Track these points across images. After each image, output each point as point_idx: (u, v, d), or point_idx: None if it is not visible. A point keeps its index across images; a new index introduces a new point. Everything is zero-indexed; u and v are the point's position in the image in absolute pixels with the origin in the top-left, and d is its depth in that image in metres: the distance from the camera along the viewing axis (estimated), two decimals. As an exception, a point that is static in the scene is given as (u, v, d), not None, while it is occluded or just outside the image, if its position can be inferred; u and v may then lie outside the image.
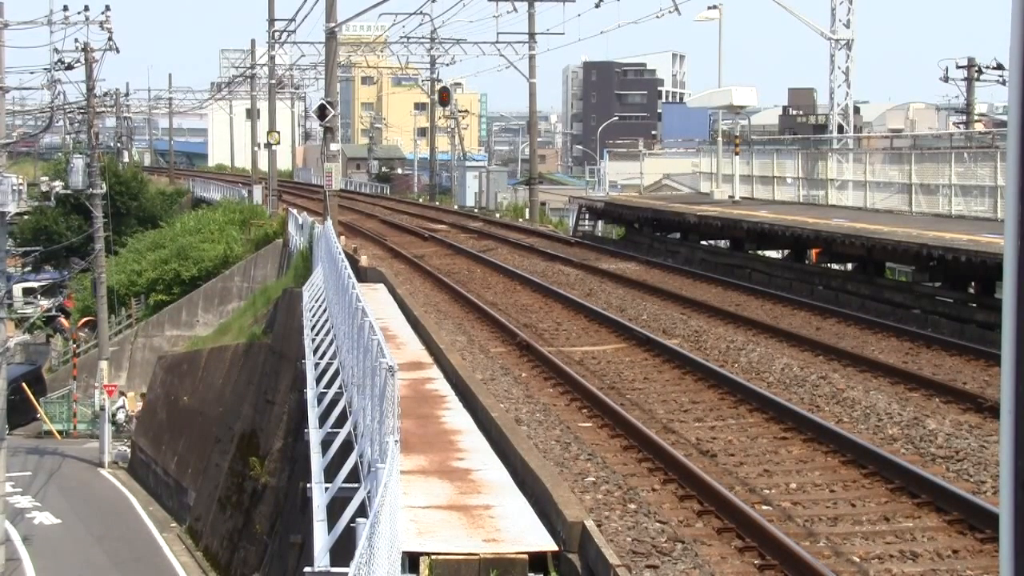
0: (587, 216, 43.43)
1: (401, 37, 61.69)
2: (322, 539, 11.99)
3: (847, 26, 37.06)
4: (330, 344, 19.59)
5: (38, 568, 34.28)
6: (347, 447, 13.79)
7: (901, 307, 23.10)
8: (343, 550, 10.75)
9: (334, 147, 34.23)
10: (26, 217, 61.45)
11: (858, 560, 9.71)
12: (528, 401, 15.85)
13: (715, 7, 40.21)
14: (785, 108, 71.39)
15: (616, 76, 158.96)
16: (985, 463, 12.26)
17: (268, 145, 59.58)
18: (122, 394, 51.08)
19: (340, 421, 15.29)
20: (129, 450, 48.45)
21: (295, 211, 48.15)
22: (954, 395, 15.36)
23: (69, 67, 44.25)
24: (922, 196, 29.17)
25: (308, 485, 13.79)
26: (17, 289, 56.48)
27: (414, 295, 26.09)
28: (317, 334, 21.35)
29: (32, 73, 55.03)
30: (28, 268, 68.22)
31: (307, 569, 11.50)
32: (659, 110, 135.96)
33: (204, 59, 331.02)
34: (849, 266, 27.44)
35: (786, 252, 30.37)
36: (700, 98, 42.80)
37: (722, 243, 33.64)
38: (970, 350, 18.33)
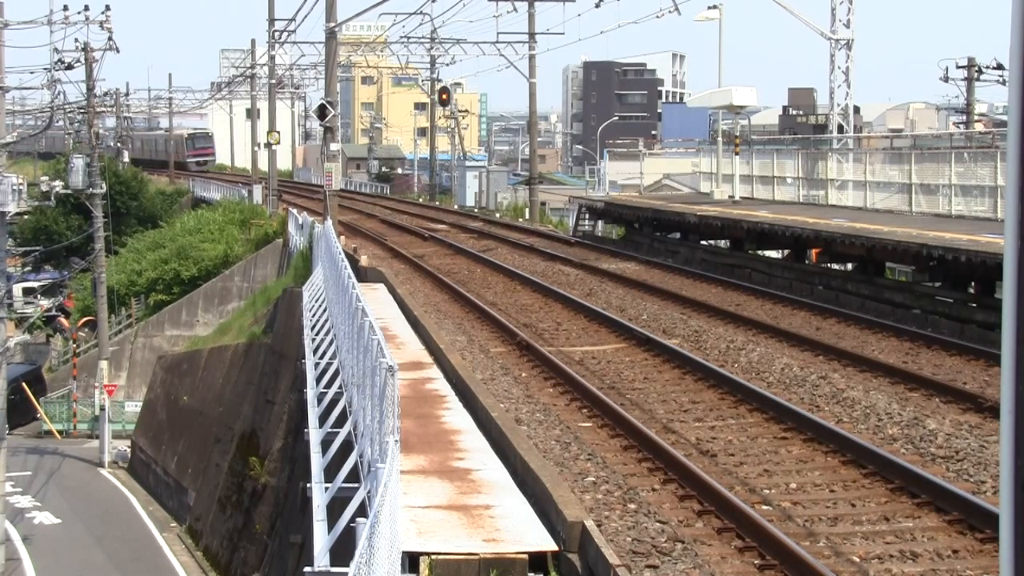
0: (587, 216, 43.42)
1: (401, 37, 61.72)
2: (322, 539, 11.99)
3: (847, 26, 37.06)
4: (330, 344, 19.60)
5: (38, 568, 34.29)
6: (347, 447, 13.79)
7: (901, 307, 23.10)
8: (343, 550, 10.75)
9: (334, 147, 34.22)
10: (26, 217, 61.47)
11: (858, 560, 9.71)
12: (528, 401, 15.85)
13: (715, 7, 40.18)
14: (785, 108, 71.45)
15: (616, 76, 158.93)
16: (985, 463, 12.26)
17: (268, 145, 59.56)
18: None
19: (340, 421, 15.29)
20: (129, 450, 48.46)
21: (295, 211, 48.14)
22: (954, 395, 15.35)
23: (69, 67, 44.24)
24: (922, 196, 29.17)
25: (308, 485, 13.79)
26: (17, 289, 56.45)
27: (414, 295, 26.09)
28: (317, 334, 21.35)
29: (32, 73, 55.09)
30: (28, 268, 68.19)
31: (307, 569, 11.50)
32: (659, 110, 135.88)
33: (204, 59, 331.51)
34: (849, 266, 27.43)
35: (786, 252, 30.37)
36: (700, 98, 42.78)
37: (722, 243, 33.63)
38: (970, 350, 18.33)
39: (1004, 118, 54.97)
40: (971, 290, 22.22)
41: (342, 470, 12.72)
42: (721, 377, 16.69)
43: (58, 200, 48.02)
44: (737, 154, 37.22)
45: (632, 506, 11.04)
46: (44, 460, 47.07)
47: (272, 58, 61.54)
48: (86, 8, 44.52)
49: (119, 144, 76.70)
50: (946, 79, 56.01)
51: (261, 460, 30.85)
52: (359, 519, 8.55)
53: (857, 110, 44.81)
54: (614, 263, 32.31)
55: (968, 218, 27.00)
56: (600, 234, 43.66)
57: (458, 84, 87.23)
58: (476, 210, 59.19)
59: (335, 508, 12.27)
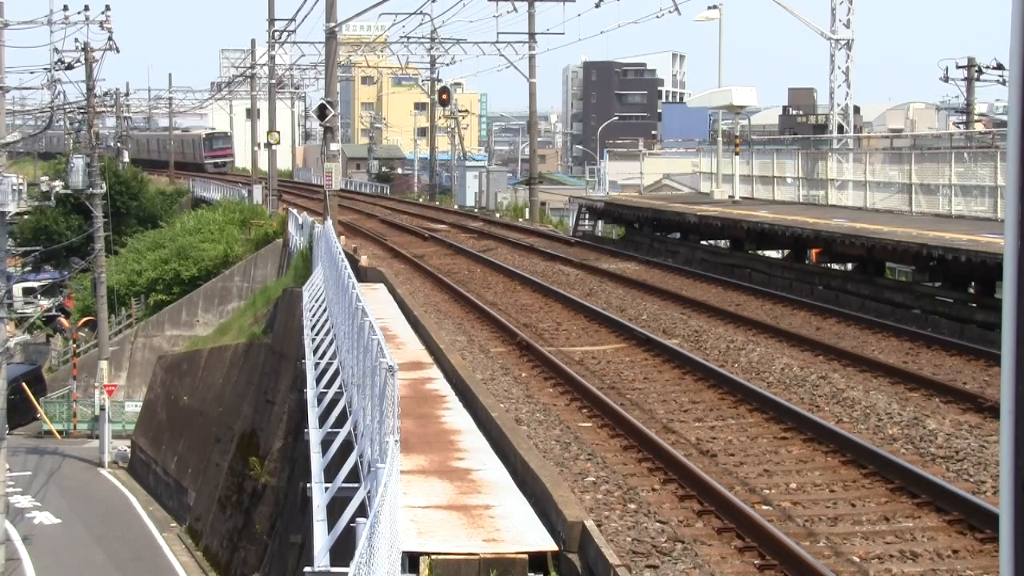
0: (587, 216, 43.42)
1: (401, 37, 61.74)
2: (322, 539, 11.99)
3: (847, 26, 37.06)
4: (330, 344, 19.60)
5: (38, 568, 34.29)
6: (347, 447, 13.79)
7: (901, 307, 23.10)
8: (343, 550, 10.75)
9: (334, 147, 34.22)
10: (26, 217, 61.45)
11: (858, 560, 9.71)
12: (528, 401, 15.85)
13: (715, 7, 40.18)
14: (785, 108, 71.43)
15: (616, 76, 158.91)
16: (985, 463, 12.26)
17: (268, 145, 59.58)
18: None
19: (340, 421, 15.29)
20: (129, 450, 48.46)
21: (295, 211, 48.14)
22: (954, 395, 15.35)
23: (69, 67, 44.24)
24: (922, 196, 29.17)
25: (308, 485, 13.79)
26: (17, 289, 56.44)
27: (414, 295, 26.09)
28: (317, 334, 21.36)
29: (32, 73, 55.13)
30: (28, 268, 68.19)
31: (307, 569, 11.50)
32: (659, 110, 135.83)
33: (204, 59, 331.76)
34: (849, 266, 27.43)
35: (786, 252, 30.37)
36: (700, 98, 42.79)
37: (722, 243, 33.63)
38: (970, 350, 18.33)
39: (1004, 118, 54.96)
40: (971, 290, 22.22)
41: (342, 470, 12.72)
42: (721, 377, 16.69)
43: (58, 200, 48.03)
44: (737, 154, 37.22)
45: (632, 506, 11.04)
46: (44, 460, 47.07)
47: (272, 58, 61.54)
48: (86, 8, 44.57)
49: (117, 144, 76.64)
50: (946, 79, 56.01)
51: (261, 460, 30.85)
52: (359, 519, 8.55)
53: (857, 110, 44.81)
54: (614, 263, 32.31)
55: (968, 218, 27.00)
56: (600, 234, 43.66)
57: (458, 84, 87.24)
58: (476, 210, 59.19)
59: (335, 508, 12.27)
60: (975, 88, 56.25)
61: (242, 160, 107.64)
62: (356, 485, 11.97)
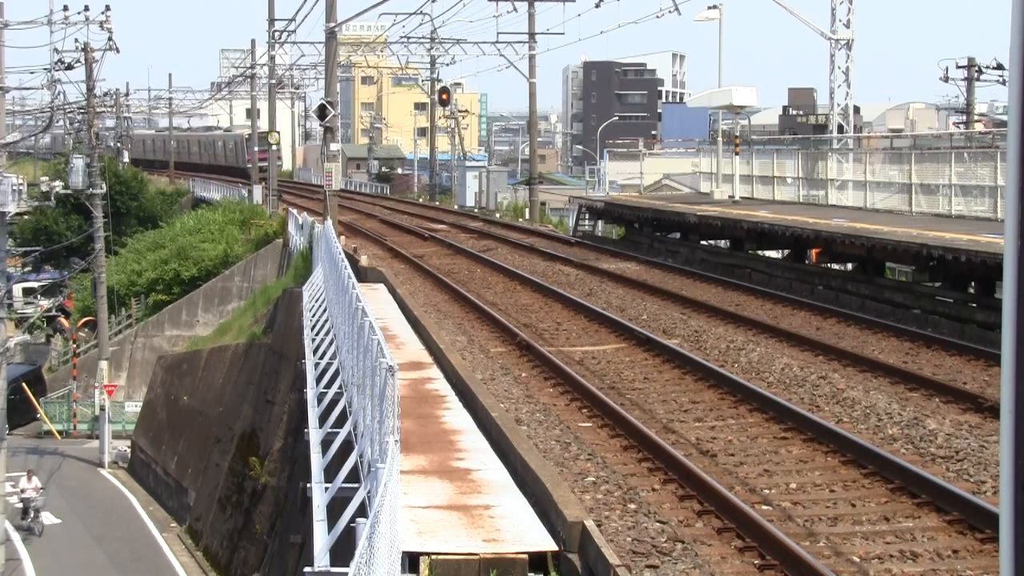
0: (587, 216, 43.41)
1: (401, 37, 61.78)
2: (322, 539, 11.99)
3: (847, 26, 37.05)
4: (330, 344, 19.60)
5: (38, 568, 34.29)
6: (347, 447, 13.79)
7: (901, 307, 23.10)
8: (343, 550, 10.76)
9: (334, 147, 34.22)
10: (26, 217, 61.48)
11: (858, 560, 9.72)
12: (528, 401, 15.85)
13: (715, 7, 40.16)
14: (785, 108, 71.51)
15: (616, 76, 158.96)
16: (985, 463, 12.26)
17: (268, 145, 59.59)
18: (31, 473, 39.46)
19: (340, 421, 15.29)
20: (129, 450, 48.47)
21: (295, 211, 48.15)
22: (954, 395, 15.35)
23: (69, 67, 44.26)
24: (922, 196, 29.17)
25: (308, 485, 13.79)
26: (17, 289, 56.46)
27: (414, 295, 26.09)
28: (317, 334, 21.36)
29: (32, 73, 55.17)
30: (28, 268, 68.21)
31: (307, 569, 11.50)
32: (659, 110, 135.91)
33: (204, 59, 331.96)
34: (849, 266, 27.44)
35: (786, 252, 30.37)
36: (700, 98, 42.79)
37: (722, 243, 33.63)
38: (970, 350, 18.33)
39: (1004, 118, 54.94)
40: (971, 290, 22.22)
41: (342, 470, 12.72)
42: (721, 377, 16.69)
43: (58, 200, 48.02)
44: (737, 154, 37.21)
45: (632, 506, 11.04)
46: (44, 460, 47.05)
47: (272, 58, 61.55)
48: (86, 8, 44.58)
49: (117, 144, 76.61)
50: (946, 79, 56.00)
51: (261, 460, 30.84)
52: (359, 519, 8.55)
53: (857, 110, 44.81)
54: (614, 263, 32.31)
55: (968, 218, 27.00)
56: (600, 234, 43.65)
57: (458, 84, 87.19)
58: (476, 210, 59.18)
59: (335, 508, 12.27)
60: (975, 88, 56.24)
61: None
62: (356, 485, 11.97)
